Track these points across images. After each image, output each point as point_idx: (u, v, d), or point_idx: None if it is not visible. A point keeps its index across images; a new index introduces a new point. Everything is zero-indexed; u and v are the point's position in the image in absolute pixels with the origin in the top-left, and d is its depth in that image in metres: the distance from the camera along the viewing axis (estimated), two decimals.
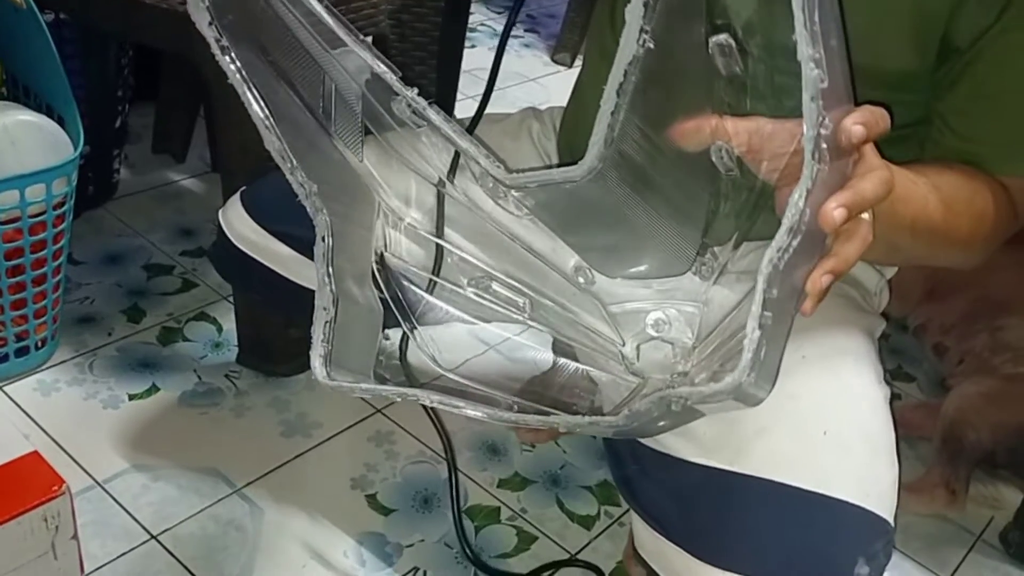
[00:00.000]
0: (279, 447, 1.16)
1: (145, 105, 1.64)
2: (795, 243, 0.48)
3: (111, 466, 1.10)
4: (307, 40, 0.67)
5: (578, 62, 2.38)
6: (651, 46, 0.59)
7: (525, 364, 1.11)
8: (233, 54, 0.65)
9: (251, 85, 0.66)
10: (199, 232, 1.50)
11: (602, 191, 0.69)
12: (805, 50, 0.46)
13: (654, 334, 0.74)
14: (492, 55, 0.80)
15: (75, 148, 1.10)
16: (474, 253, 0.80)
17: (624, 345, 0.75)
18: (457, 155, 0.78)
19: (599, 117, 0.66)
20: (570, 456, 1.21)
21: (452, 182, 0.80)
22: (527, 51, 2.42)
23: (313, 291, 0.89)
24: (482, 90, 0.81)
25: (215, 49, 0.65)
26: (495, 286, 0.80)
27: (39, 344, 1.20)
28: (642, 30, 0.59)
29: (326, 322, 0.68)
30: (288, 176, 0.69)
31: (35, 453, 0.94)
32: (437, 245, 0.82)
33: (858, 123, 0.52)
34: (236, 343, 1.28)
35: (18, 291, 1.13)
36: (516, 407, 0.71)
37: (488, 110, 0.89)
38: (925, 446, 1.24)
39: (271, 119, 0.66)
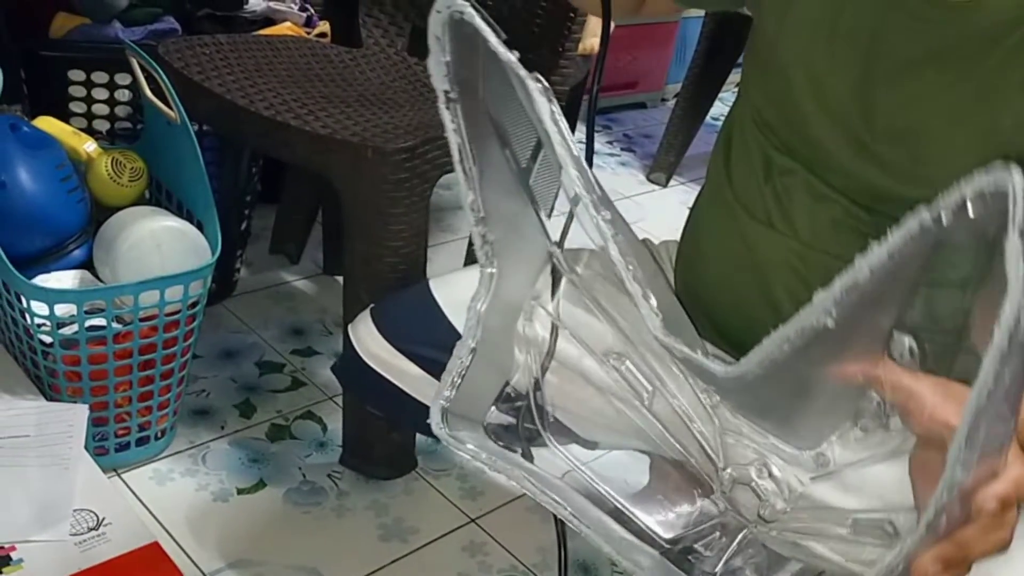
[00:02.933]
0: (376, 551, 1.19)
1: (265, 207, 1.73)
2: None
3: (218, 559, 1.14)
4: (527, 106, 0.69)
5: (673, 182, 2.43)
6: (830, 325, 0.59)
7: (613, 483, 1.12)
8: (458, 108, 0.68)
9: (465, 140, 0.68)
10: (309, 332, 1.57)
11: (755, 385, 0.71)
12: None
13: (754, 477, 0.75)
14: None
15: (212, 253, 1.18)
16: (624, 329, 0.82)
17: (725, 470, 0.76)
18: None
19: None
20: None
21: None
22: (623, 169, 2.49)
23: None
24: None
25: (441, 101, 0.68)
26: (629, 365, 0.81)
27: (159, 435, 1.26)
28: (828, 312, 0.59)
29: (457, 373, 0.72)
30: (472, 226, 0.71)
31: (155, 544, 0.98)
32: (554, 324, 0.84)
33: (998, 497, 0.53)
34: (340, 443, 1.33)
35: (146, 384, 1.19)
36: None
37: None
38: None
39: (474, 170, 0.69)
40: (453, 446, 0.73)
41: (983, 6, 0.73)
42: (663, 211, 2.25)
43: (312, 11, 1.65)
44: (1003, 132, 0.74)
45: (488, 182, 0.71)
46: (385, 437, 1.30)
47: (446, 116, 0.68)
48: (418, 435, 1.33)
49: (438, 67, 0.67)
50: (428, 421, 0.99)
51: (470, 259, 1.64)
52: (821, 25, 0.81)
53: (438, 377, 0.94)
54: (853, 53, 0.79)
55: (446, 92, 0.67)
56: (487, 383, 0.78)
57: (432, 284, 0.99)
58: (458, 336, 0.93)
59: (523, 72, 0.63)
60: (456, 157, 0.69)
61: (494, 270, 0.73)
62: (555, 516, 0.90)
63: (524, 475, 0.73)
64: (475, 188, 0.70)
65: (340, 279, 1.34)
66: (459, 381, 0.74)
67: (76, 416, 1.11)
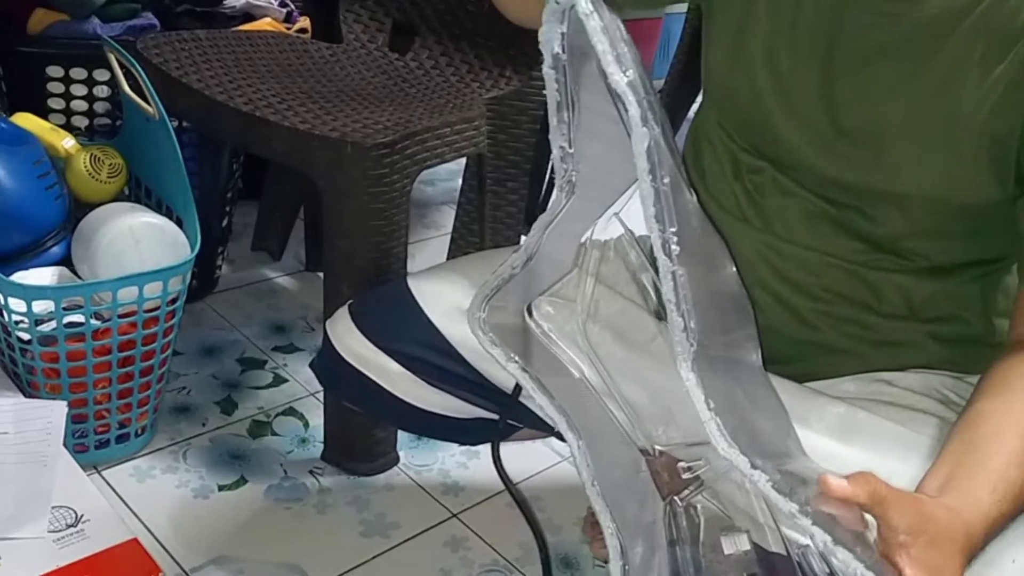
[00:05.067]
0: (358, 546, 1.19)
1: (247, 204, 1.73)
2: None
3: (199, 556, 1.13)
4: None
5: None
6: None
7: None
8: (567, 68, 0.70)
9: (566, 94, 0.71)
10: (291, 329, 1.57)
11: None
12: None
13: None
14: None
15: (192, 249, 1.18)
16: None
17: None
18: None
19: None
20: None
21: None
22: None
23: (417, 408, 0.94)
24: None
25: (547, 63, 0.70)
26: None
27: (139, 432, 1.25)
28: None
29: (505, 278, 0.77)
30: (558, 162, 0.75)
31: (134, 540, 0.98)
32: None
33: None
34: (321, 439, 1.32)
35: (126, 381, 1.19)
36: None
37: None
38: None
39: (573, 118, 0.73)
40: (480, 338, 0.78)
41: None
42: None
43: (292, 7, 1.65)
44: (962, 118, 0.75)
45: (580, 127, 0.74)
46: (367, 433, 1.30)
47: (550, 75, 0.71)
48: (400, 431, 1.33)
49: (552, 36, 0.70)
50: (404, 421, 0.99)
51: (452, 255, 1.64)
52: (781, 23, 0.82)
53: (418, 373, 0.95)
54: (814, 49, 0.80)
55: (556, 55, 0.70)
56: (524, 293, 0.83)
57: (410, 280, 0.99)
58: (438, 332, 0.94)
59: (630, 101, 0.65)
60: (553, 109, 0.73)
61: (568, 201, 0.77)
62: (528, 517, 0.93)
63: (530, 377, 0.78)
64: (567, 132, 0.74)
65: (322, 275, 1.33)
66: (503, 284, 0.79)
67: (55, 413, 1.10)
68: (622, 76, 0.65)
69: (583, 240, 0.84)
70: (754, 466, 0.65)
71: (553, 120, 0.74)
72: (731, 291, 0.80)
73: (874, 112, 0.78)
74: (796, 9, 0.81)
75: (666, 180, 0.66)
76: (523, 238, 0.81)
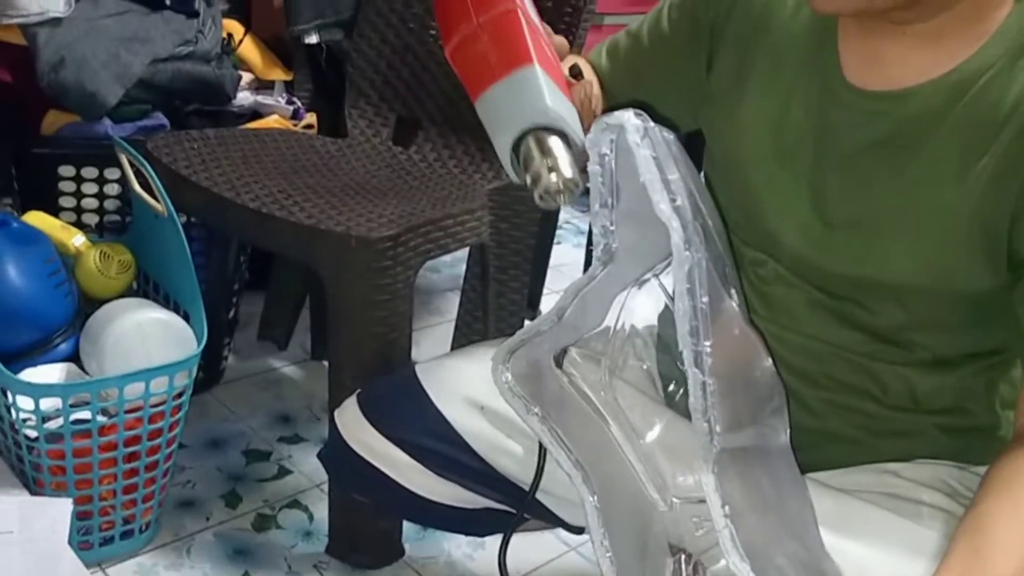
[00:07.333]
0: None
1: (253, 294, 1.74)
2: None
3: None
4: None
5: None
6: None
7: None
8: (614, 162, 0.75)
9: (612, 184, 0.75)
10: (297, 419, 1.57)
11: None
12: None
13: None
14: (576, 251, 0.89)
15: (198, 344, 1.19)
16: None
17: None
18: None
19: None
20: None
21: None
22: None
23: (425, 499, 0.94)
24: (565, 285, 0.87)
25: (593, 160, 0.74)
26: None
27: (143, 527, 1.25)
28: None
29: (533, 334, 0.79)
30: (599, 236, 0.78)
31: None
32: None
33: None
34: (326, 533, 1.31)
35: (131, 476, 1.19)
36: None
37: None
38: None
39: (612, 199, 0.77)
40: (502, 389, 0.80)
41: (915, 94, 0.77)
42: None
43: (299, 104, 1.69)
44: (950, 209, 0.76)
45: (620, 208, 0.79)
46: (372, 525, 1.29)
47: (595, 171, 0.76)
48: (406, 523, 1.32)
49: (602, 141, 0.75)
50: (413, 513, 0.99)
51: (457, 342, 1.65)
52: (768, 121, 0.84)
53: (426, 464, 0.95)
54: (802, 145, 0.83)
55: (603, 155, 0.75)
56: (552, 347, 0.85)
57: (419, 370, 1.00)
58: (447, 423, 0.94)
59: (674, 228, 0.69)
60: (595, 198, 0.77)
61: (605, 269, 0.80)
62: None
63: (548, 429, 0.80)
64: (610, 215, 0.78)
65: (327, 364, 1.34)
66: (530, 339, 0.81)
67: (60, 511, 1.10)
68: (668, 204, 0.69)
69: (613, 324, 0.86)
70: None
71: (595, 206, 0.78)
72: (765, 380, 0.82)
73: (863, 205, 0.80)
74: (784, 109, 0.83)
75: (704, 299, 0.69)
76: (527, 322, 0.83)
